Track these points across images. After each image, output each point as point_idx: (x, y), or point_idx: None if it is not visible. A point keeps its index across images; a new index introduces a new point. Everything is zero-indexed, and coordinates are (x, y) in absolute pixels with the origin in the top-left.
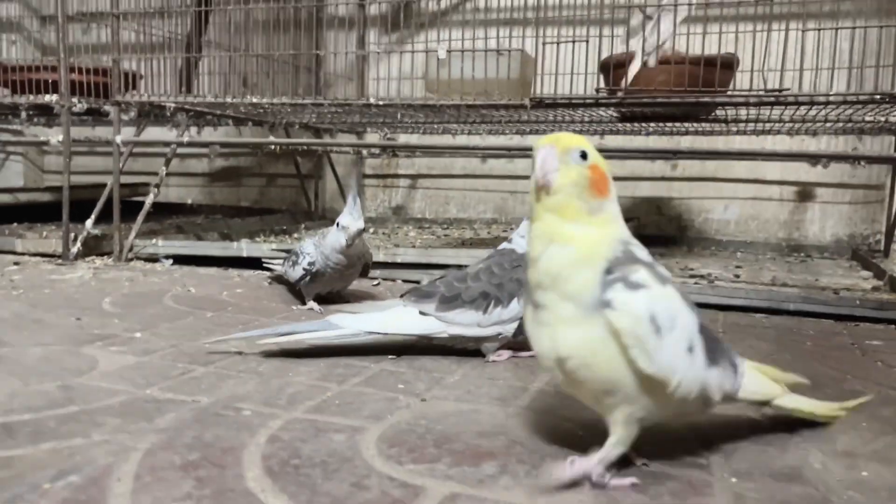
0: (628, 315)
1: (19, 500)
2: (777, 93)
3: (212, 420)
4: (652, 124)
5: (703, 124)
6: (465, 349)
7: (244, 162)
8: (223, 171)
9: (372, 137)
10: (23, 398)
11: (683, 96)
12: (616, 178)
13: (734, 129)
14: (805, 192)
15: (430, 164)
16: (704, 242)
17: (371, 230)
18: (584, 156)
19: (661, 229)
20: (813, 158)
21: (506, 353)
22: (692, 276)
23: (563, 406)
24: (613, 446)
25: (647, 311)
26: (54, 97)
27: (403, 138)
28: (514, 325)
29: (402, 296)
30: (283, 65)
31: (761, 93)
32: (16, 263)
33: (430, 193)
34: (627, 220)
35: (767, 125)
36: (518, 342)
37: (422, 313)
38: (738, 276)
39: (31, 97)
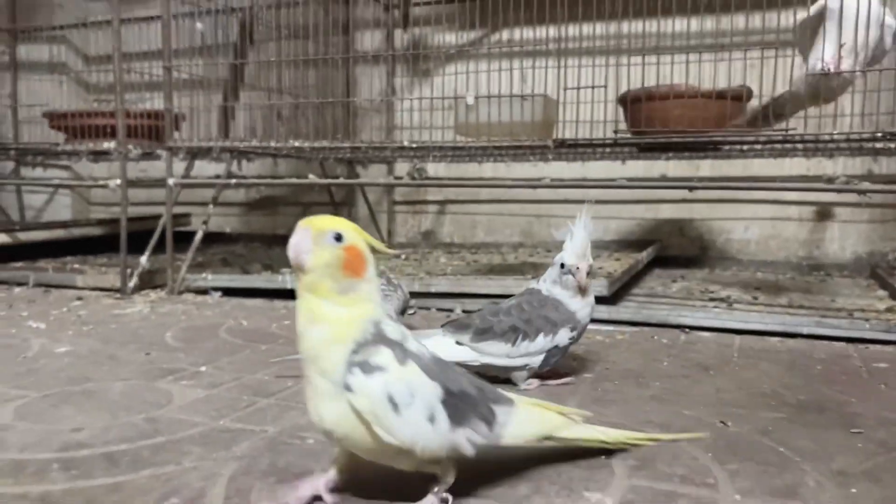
0: (365, 397)
1: None
2: (784, 132)
3: (281, 448)
4: (671, 151)
5: (718, 150)
6: (497, 378)
7: (280, 192)
8: (260, 200)
9: (401, 167)
10: (117, 430)
11: (696, 136)
12: (637, 202)
13: (752, 154)
14: (824, 212)
15: (458, 191)
16: (726, 262)
17: (402, 256)
18: (338, 238)
19: (683, 250)
20: (827, 190)
21: (535, 382)
22: (711, 300)
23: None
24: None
25: (383, 392)
26: (112, 143)
27: (432, 167)
28: (541, 357)
29: (442, 326)
30: (318, 103)
31: (769, 132)
32: (79, 298)
33: (458, 218)
34: (649, 242)
35: (786, 149)
36: (546, 372)
37: (458, 343)
38: (755, 299)
39: (91, 144)
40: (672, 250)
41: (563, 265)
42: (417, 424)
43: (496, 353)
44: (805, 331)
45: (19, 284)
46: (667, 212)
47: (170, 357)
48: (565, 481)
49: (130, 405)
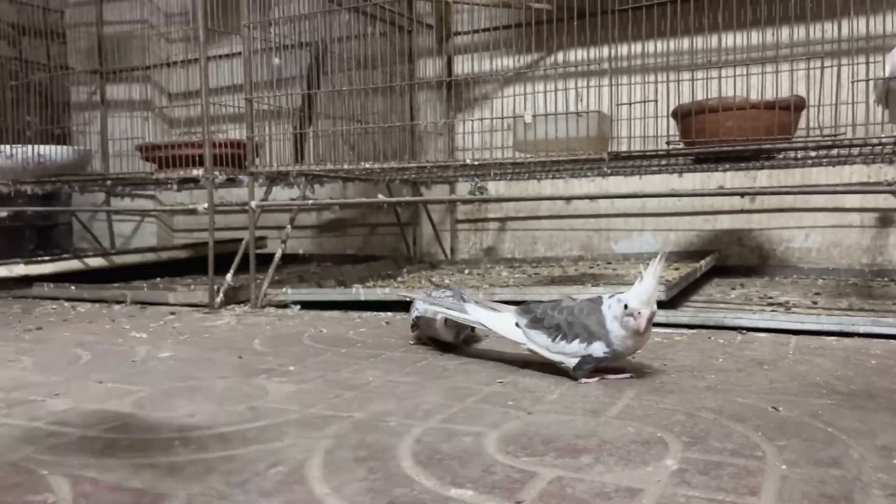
0: None
1: (249, 482)
2: (832, 138)
3: (368, 428)
4: (728, 163)
5: (774, 159)
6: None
7: (349, 214)
8: (330, 222)
9: (463, 186)
10: (224, 416)
11: (745, 144)
12: (696, 213)
13: (809, 162)
14: (886, 218)
15: (518, 207)
16: (787, 271)
17: (466, 271)
18: None
19: (742, 260)
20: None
21: (596, 377)
22: (770, 305)
23: (645, 416)
24: None
25: None
26: (201, 171)
27: (492, 185)
28: (574, 360)
29: (517, 306)
30: (382, 129)
31: (818, 137)
32: (172, 313)
33: (518, 234)
34: (708, 252)
35: (844, 157)
36: (606, 367)
37: (516, 324)
38: (815, 303)
39: (182, 172)
40: (732, 260)
41: (626, 306)
42: None
43: (539, 343)
44: (861, 329)
45: (118, 302)
46: (725, 222)
47: (260, 360)
48: (623, 453)
49: (233, 397)
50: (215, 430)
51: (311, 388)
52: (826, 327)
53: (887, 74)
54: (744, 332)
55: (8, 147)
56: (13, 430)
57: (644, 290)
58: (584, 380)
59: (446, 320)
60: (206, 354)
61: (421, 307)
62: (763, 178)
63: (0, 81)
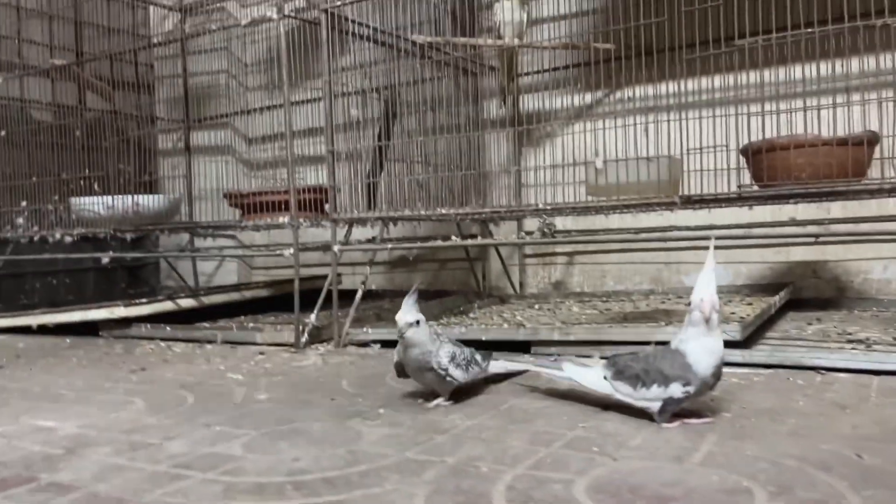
0: None
1: None
2: None
3: (462, 474)
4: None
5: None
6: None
7: (419, 250)
8: (401, 258)
9: (531, 222)
10: (326, 460)
11: (820, 187)
12: (768, 245)
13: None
14: None
15: (587, 240)
16: (865, 303)
17: (535, 306)
18: None
19: (818, 292)
20: None
21: (676, 421)
22: (849, 342)
23: (729, 463)
24: None
25: None
26: (286, 218)
27: (559, 220)
28: (658, 403)
29: (607, 358)
30: (453, 169)
31: (893, 179)
32: (261, 353)
33: (587, 268)
34: (782, 285)
35: None
36: (687, 410)
37: (604, 377)
38: None
39: (269, 218)
40: (806, 293)
41: (689, 302)
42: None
43: (625, 392)
44: None
45: (209, 342)
46: (798, 254)
47: (351, 401)
48: (710, 502)
49: (331, 440)
50: (321, 475)
51: (402, 431)
52: None
53: None
54: (823, 372)
55: (109, 198)
56: (141, 474)
57: (701, 282)
58: (665, 424)
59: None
60: (300, 396)
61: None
62: (836, 209)
63: (92, 133)
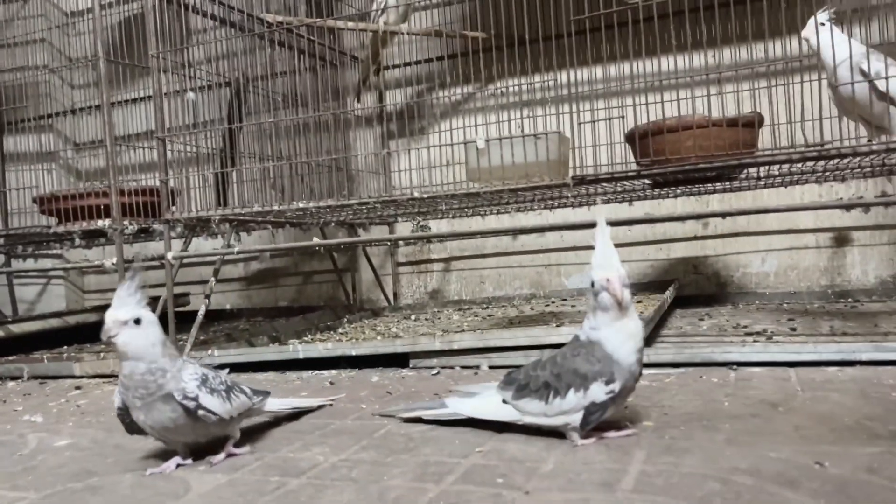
0: None
1: None
2: (819, 147)
3: None
4: (680, 188)
5: (731, 182)
6: (551, 432)
7: (279, 263)
8: (259, 273)
9: (404, 227)
10: None
11: (724, 160)
12: (649, 242)
13: (762, 183)
14: (842, 238)
15: (462, 246)
16: (747, 297)
17: (412, 317)
18: None
19: (700, 288)
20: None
21: (592, 437)
22: (748, 335)
23: (670, 486)
24: None
25: None
26: (107, 221)
27: (434, 224)
28: (579, 415)
29: (502, 379)
30: (314, 167)
31: (802, 148)
32: (77, 388)
33: (464, 275)
34: (665, 282)
35: (796, 176)
36: (604, 424)
37: (503, 401)
38: (794, 330)
39: (84, 223)
40: (689, 290)
41: (592, 283)
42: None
43: (534, 411)
44: (864, 357)
45: (13, 378)
46: (679, 250)
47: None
48: None
49: (143, 499)
50: None
51: (246, 476)
52: (825, 356)
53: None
54: (735, 367)
55: None
56: None
57: (601, 255)
58: (580, 441)
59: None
60: (114, 439)
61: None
62: (715, 202)
63: None
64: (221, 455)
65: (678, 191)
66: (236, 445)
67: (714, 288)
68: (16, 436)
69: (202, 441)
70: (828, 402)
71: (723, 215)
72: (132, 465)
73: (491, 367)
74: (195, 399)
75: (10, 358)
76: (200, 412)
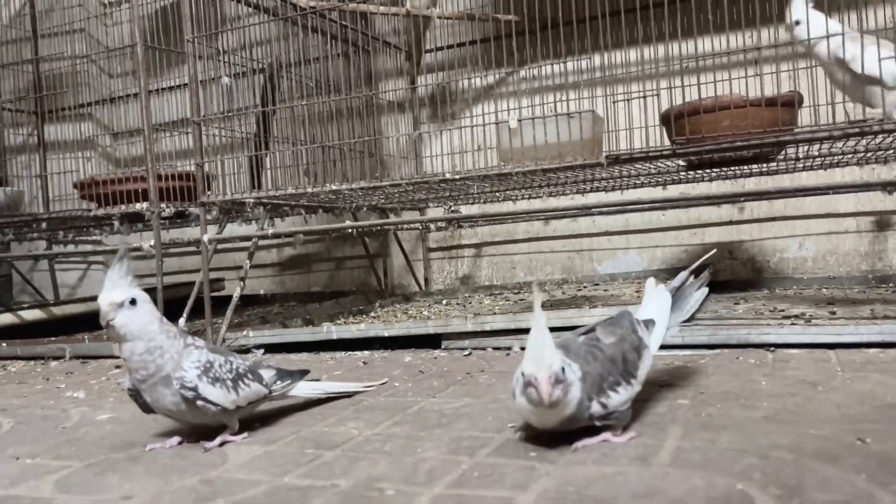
0: None
1: None
2: (862, 124)
3: (360, 502)
4: (715, 170)
5: (768, 165)
6: None
7: (312, 249)
8: (292, 259)
9: (434, 212)
10: (171, 496)
11: (762, 137)
12: (683, 227)
13: (800, 165)
14: (883, 222)
15: (494, 232)
16: (784, 282)
17: (444, 302)
18: None
19: (735, 274)
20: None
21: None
22: (786, 318)
23: (708, 462)
24: None
25: None
26: (145, 205)
27: (465, 209)
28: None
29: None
30: (347, 152)
31: (844, 125)
32: (117, 367)
33: (495, 260)
34: (702, 268)
35: (836, 158)
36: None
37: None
38: (833, 313)
39: (123, 207)
40: (723, 275)
41: (522, 374)
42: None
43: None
44: None
45: (56, 358)
46: (714, 235)
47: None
48: None
49: (182, 468)
50: None
51: (281, 448)
52: (866, 338)
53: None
54: (772, 349)
55: None
56: None
57: (532, 348)
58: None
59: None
60: (153, 413)
61: None
62: (751, 185)
63: None
64: (216, 441)
65: (713, 173)
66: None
67: (749, 273)
68: (59, 410)
69: (211, 424)
70: (869, 382)
71: (758, 196)
72: (172, 437)
73: (523, 349)
74: (194, 389)
75: (53, 339)
76: (199, 402)
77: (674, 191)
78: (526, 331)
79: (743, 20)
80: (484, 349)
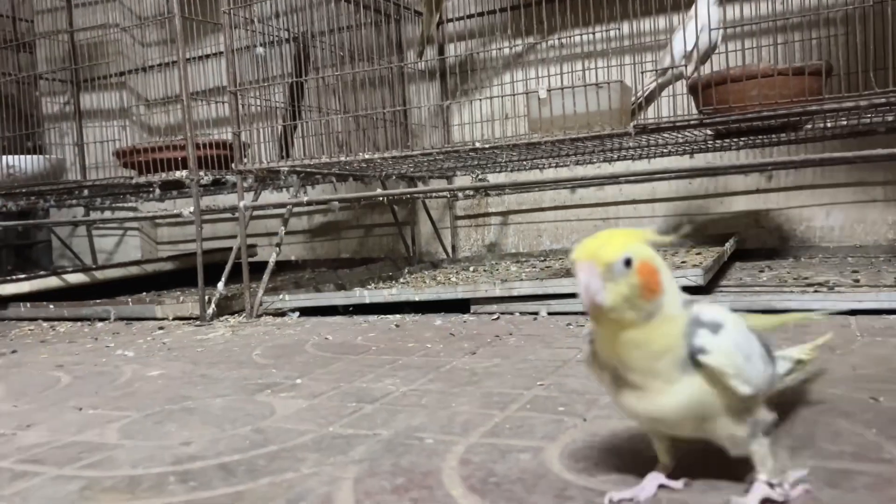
0: (722, 354)
1: None
2: (890, 92)
3: (401, 449)
4: (743, 139)
5: (796, 133)
6: None
7: (342, 216)
8: (322, 226)
9: (462, 180)
10: (226, 442)
11: (788, 107)
12: (710, 195)
13: (829, 135)
14: None
15: (520, 200)
16: (810, 251)
17: (471, 269)
18: (628, 262)
19: (762, 242)
20: None
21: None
22: (809, 285)
23: None
24: (767, 469)
25: (734, 344)
26: (184, 173)
27: (492, 178)
28: None
29: None
30: (374, 121)
31: (871, 94)
32: (161, 328)
33: (522, 228)
34: (726, 236)
35: (865, 126)
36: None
37: None
38: (857, 281)
39: (163, 175)
40: (750, 243)
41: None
42: (759, 371)
43: None
44: None
45: (101, 319)
46: (741, 203)
47: (261, 373)
48: (723, 463)
49: (234, 418)
50: (217, 461)
51: (324, 402)
52: (886, 305)
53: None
54: None
55: None
56: None
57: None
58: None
59: None
60: (201, 370)
61: None
62: (778, 155)
63: None
64: None
65: (741, 142)
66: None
67: (776, 241)
68: (112, 367)
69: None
70: (886, 347)
71: (784, 165)
72: (221, 392)
73: (550, 314)
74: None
75: (97, 301)
76: None
77: (700, 159)
78: (553, 296)
79: None
80: (512, 314)
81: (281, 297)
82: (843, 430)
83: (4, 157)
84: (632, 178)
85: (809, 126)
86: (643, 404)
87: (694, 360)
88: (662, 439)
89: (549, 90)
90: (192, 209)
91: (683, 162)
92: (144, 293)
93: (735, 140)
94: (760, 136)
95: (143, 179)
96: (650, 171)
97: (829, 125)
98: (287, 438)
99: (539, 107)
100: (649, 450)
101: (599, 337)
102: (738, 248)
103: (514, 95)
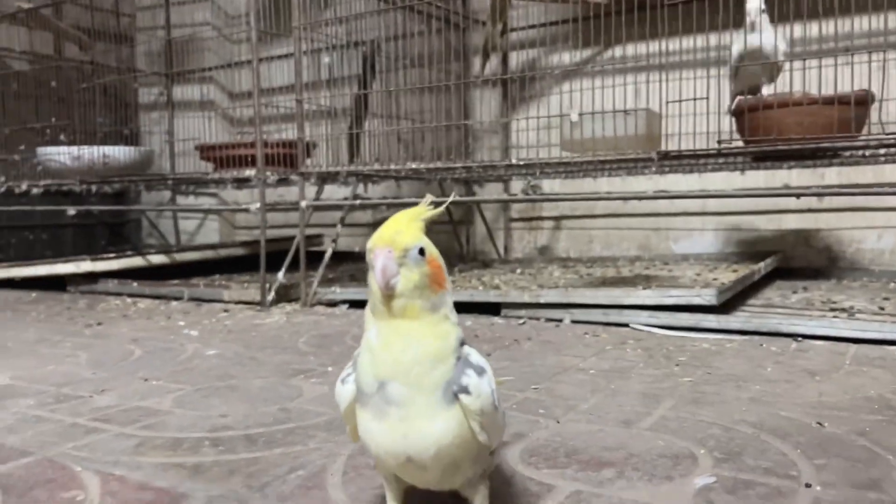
0: (480, 398)
1: (268, 486)
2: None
3: None
4: (790, 161)
5: (831, 160)
6: None
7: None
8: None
9: (517, 184)
10: (255, 417)
11: (804, 143)
12: (759, 212)
13: (882, 158)
14: None
15: (574, 206)
16: (856, 274)
17: (518, 270)
18: (422, 252)
19: (809, 261)
20: None
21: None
22: (832, 310)
23: (680, 429)
24: None
25: (490, 391)
26: (252, 171)
27: (547, 184)
28: None
29: None
30: (438, 127)
31: (881, 135)
32: (225, 311)
33: (573, 233)
34: (772, 253)
35: None
36: None
37: None
38: (882, 309)
39: (235, 172)
40: (797, 262)
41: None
42: (503, 424)
43: None
44: None
45: (176, 299)
46: (791, 222)
47: (301, 359)
48: (649, 468)
49: (267, 398)
50: (244, 432)
51: None
52: (889, 336)
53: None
54: (799, 339)
55: (76, 148)
56: (56, 426)
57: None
58: None
59: None
60: (251, 353)
61: None
62: (832, 175)
63: (69, 84)
64: None
65: (791, 163)
66: None
67: (824, 261)
68: (177, 344)
69: None
70: (864, 376)
71: (828, 190)
72: (262, 374)
73: (573, 322)
74: None
75: (174, 282)
76: None
77: (753, 176)
78: (575, 306)
79: (821, 9)
80: (538, 319)
81: (333, 289)
82: (771, 448)
83: (101, 147)
84: (678, 195)
85: (849, 154)
86: (403, 430)
87: (456, 395)
88: (397, 484)
89: (580, 114)
90: (258, 205)
91: (733, 179)
92: (217, 275)
93: (782, 161)
94: (805, 161)
95: (217, 175)
96: (692, 193)
97: (867, 154)
98: (305, 418)
99: (571, 129)
100: (594, 448)
101: (376, 340)
102: (785, 265)
103: (548, 118)
